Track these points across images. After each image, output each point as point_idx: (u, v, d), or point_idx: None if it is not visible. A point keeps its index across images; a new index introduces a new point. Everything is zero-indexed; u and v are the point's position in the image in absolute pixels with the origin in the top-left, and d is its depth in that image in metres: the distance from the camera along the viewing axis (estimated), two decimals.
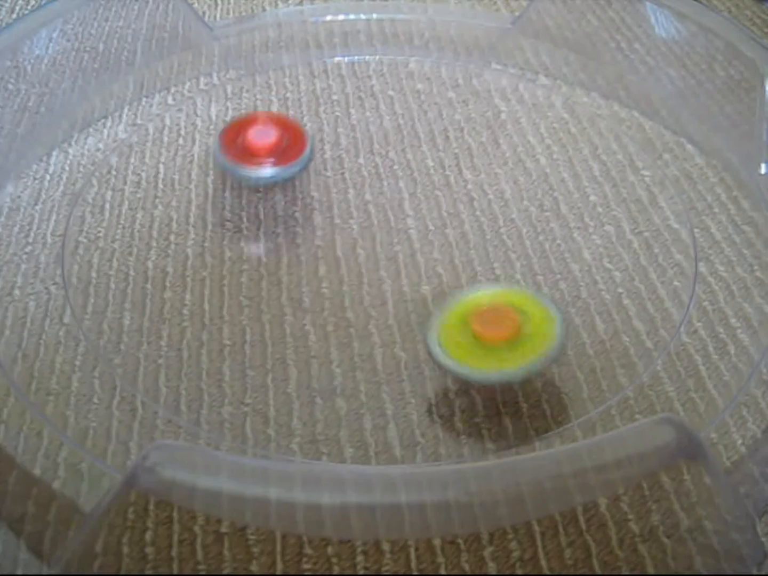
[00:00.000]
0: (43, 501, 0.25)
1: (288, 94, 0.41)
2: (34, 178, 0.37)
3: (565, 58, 0.42)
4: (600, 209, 0.35)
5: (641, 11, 0.42)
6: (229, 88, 0.42)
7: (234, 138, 0.35)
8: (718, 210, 0.35)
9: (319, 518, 0.22)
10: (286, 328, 0.31)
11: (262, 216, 0.35)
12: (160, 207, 0.35)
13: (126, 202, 0.36)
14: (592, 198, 0.36)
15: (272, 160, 0.34)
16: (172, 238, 0.34)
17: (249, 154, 0.34)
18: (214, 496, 0.22)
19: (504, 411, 0.28)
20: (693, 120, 0.38)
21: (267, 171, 0.34)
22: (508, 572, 0.24)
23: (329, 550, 0.24)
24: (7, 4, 0.48)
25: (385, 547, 0.24)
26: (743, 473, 0.26)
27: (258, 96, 0.41)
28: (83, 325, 0.31)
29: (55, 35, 0.40)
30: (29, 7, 0.48)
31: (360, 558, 0.24)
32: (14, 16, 0.48)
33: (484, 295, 0.29)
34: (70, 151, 0.38)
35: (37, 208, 0.35)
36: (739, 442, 0.27)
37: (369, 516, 0.22)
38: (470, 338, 0.27)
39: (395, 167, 0.37)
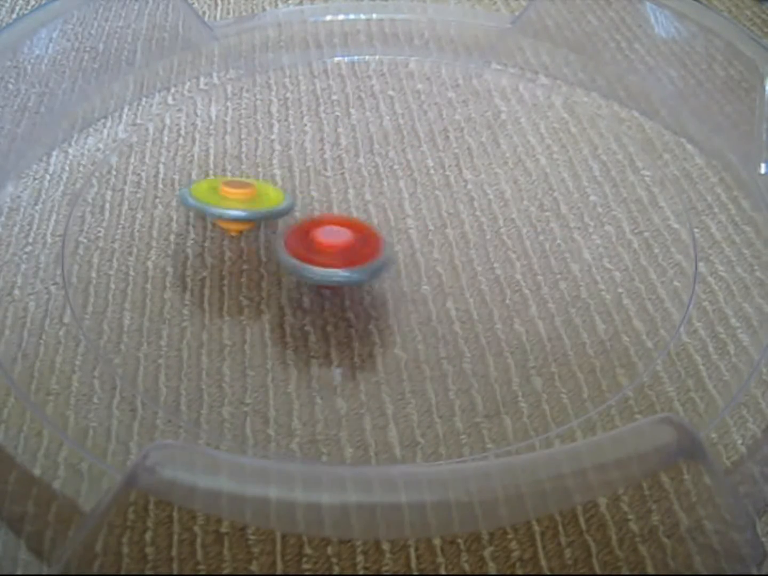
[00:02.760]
0: (43, 501, 0.25)
1: (288, 94, 0.41)
2: (34, 178, 0.37)
3: (565, 58, 0.42)
4: (600, 209, 0.35)
5: (641, 11, 0.42)
6: (229, 88, 0.42)
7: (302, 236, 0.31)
8: (718, 210, 0.35)
9: (319, 518, 0.22)
10: (286, 328, 0.31)
11: None
12: (160, 207, 0.35)
13: (126, 202, 0.36)
14: (592, 198, 0.36)
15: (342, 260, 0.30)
16: (172, 238, 0.34)
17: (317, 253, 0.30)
18: (214, 495, 0.22)
19: (504, 411, 0.28)
20: (693, 120, 0.38)
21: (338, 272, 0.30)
22: (508, 572, 0.24)
23: (329, 550, 0.24)
24: (7, 4, 0.48)
25: (385, 547, 0.24)
26: (743, 473, 0.26)
27: (258, 96, 0.41)
28: (83, 325, 0.31)
29: (55, 35, 0.40)
30: (29, 7, 0.48)
31: (360, 558, 0.24)
32: (14, 16, 0.48)
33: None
34: (70, 151, 0.38)
35: (37, 208, 0.35)
36: (739, 442, 0.27)
37: (369, 516, 0.22)
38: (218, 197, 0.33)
39: (395, 167, 0.37)
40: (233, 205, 0.32)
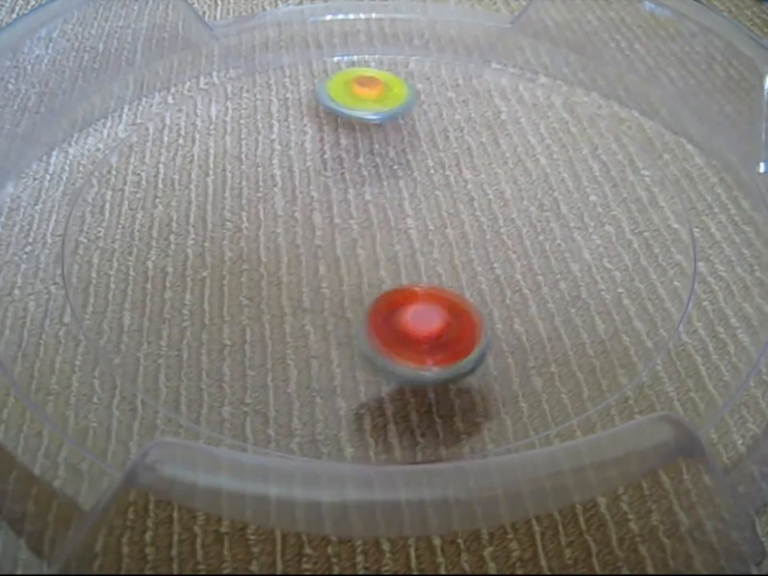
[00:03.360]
0: (44, 500, 0.25)
1: (288, 94, 0.41)
2: (34, 178, 0.37)
3: (565, 58, 0.42)
4: (600, 209, 0.35)
5: (641, 11, 0.42)
6: (229, 88, 0.42)
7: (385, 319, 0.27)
8: (718, 210, 0.35)
9: (319, 516, 0.22)
10: (286, 328, 0.31)
11: (262, 216, 0.35)
12: (160, 207, 0.35)
13: (126, 202, 0.36)
14: (592, 198, 0.36)
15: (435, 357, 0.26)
16: (172, 238, 0.34)
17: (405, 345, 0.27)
18: (214, 493, 0.22)
19: (504, 411, 0.28)
20: (693, 120, 0.38)
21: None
22: (508, 572, 0.24)
23: (329, 550, 0.24)
24: (7, 4, 0.48)
25: (385, 547, 0.24)
26: (742, 472, 0.26)
27: (258, 96, 0.41)
28: (83, 325, 0.31)
29: (55, 35, 0.40)
30: (29, 7, 0.48)
31: (360, 558, 0.24)
32: (14, 15, 0.48)
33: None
34: (70, 151, 0.38)
35: (37, 208, 0.35)
36: (739, 441, 0.27)
37: (369, 513, 0.22)
38: (350, 96, 0.37)
39: (395, 167, 0.37)
40: (364, 105, 0.37)
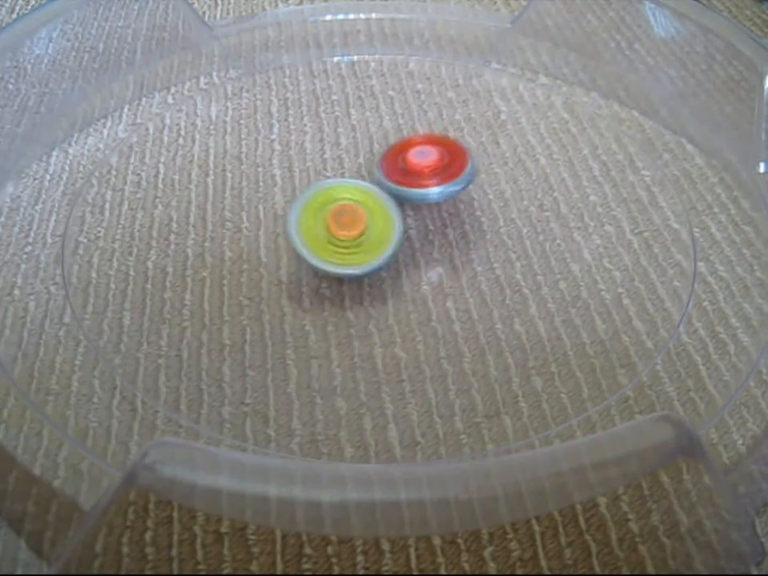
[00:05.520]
0: (44, 500, 0.25)
1: (288, 94, 0.41)
2: (34, 178, 0.37)
3: (565, 58, 0.42)
4: (600, 209, 0.35)
5: (641, 11, 0.42)
6: (229, 88, 0.42)
7: (395, 160, 0.34)
8: (718, 210, 0.35)
9: (319, 516, 0.22)
10: (286, 328, 0.31)
11: (262, 216, 0.35)
12: (160, 207, 0.35)
13: (126, 202, 0.36)
14: (592, 198, 0.36)
15: (436, 179, 0.33)
16: (172, 238, 0.34)
17: (411, 175, 0.33)
18: (214, 493, 0.22)
19: (504, 411, 0.28)
20: (693, 120, 0.38)
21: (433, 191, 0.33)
22: (508, 572, 0.24)
23: (329, 550, 0.24)
24: (7, 4, 0.48)
25: (385, 547, 0.24)
26: (742, 472, 0.26)
27: (258, 96, 0.41)
28: (83, 325, 0.31)
29: (55, 35, 0.40)
30: (29, 7, 0.48)
31: (360, 558, 0.24)
32: (14, 16, 0.48)
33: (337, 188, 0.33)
34: (70, 151, 0.38)
35: (37, 208, 0.35)
36: (740, 441, 0.27)
37: (369, 513, 0.22)
38: (324, 233, 0.31)
39: None
40: (343, 259, 0.31)
